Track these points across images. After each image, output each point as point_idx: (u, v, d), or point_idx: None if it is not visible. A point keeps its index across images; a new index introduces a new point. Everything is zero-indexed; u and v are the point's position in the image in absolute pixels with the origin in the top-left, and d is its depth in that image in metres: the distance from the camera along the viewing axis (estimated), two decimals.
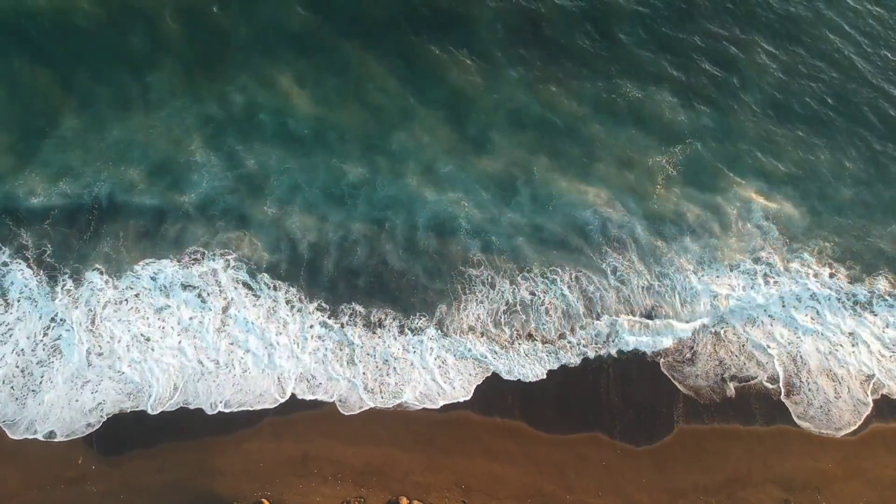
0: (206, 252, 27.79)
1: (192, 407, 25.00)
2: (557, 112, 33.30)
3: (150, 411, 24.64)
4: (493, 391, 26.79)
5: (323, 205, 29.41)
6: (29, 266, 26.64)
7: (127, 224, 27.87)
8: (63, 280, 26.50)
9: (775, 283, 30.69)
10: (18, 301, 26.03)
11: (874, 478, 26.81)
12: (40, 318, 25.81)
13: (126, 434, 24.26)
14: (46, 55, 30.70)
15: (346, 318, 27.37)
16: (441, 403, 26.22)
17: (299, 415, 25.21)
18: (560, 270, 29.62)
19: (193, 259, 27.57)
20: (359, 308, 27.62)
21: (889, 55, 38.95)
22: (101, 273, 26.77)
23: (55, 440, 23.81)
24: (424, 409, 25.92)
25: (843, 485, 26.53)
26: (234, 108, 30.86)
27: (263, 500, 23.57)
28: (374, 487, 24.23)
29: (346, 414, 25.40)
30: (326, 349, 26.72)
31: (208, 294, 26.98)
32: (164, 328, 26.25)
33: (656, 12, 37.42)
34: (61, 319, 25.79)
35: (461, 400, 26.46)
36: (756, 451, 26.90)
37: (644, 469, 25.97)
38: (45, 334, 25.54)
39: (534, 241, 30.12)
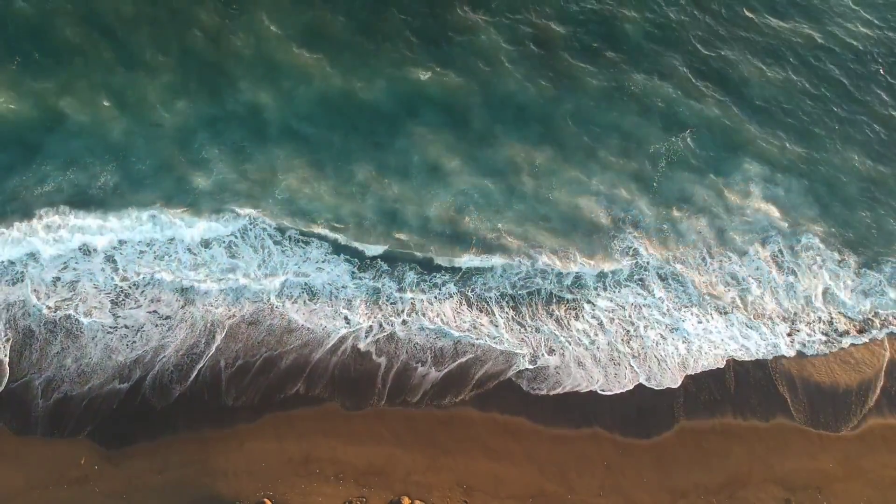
0: (228, 208, 27.30)
1: (241, 359, 25.22)
2: (560, 102, 32.73)
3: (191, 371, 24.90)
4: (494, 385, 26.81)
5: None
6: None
7: (139, 191, 27.06)
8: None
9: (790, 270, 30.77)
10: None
11: (875, 478, 26.99)
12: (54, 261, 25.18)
13: (128, 433, 24.17)
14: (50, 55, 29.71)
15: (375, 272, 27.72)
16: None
17: (300, 414, 25.18)
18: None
19: (217, 213, 27.14)
20: (384, 266, 27.85)
21: None
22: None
23: (64, 429, 23.74)
24: (426, 407, 25.94)
25: (844, 484, 26.71)
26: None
27: (266, 499, 23.68)
28: (375, 487, 24.33)
29: (351, 412, 25.49)
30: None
31: (238, 246, 26.86)
32: (199, 275, 26.18)
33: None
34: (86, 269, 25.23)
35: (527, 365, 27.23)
36: (756, 450, 27.03)
37: (645, 468, 26.09)
38: (56, 281, 24.85)
39: (542, 226, 29.84)
